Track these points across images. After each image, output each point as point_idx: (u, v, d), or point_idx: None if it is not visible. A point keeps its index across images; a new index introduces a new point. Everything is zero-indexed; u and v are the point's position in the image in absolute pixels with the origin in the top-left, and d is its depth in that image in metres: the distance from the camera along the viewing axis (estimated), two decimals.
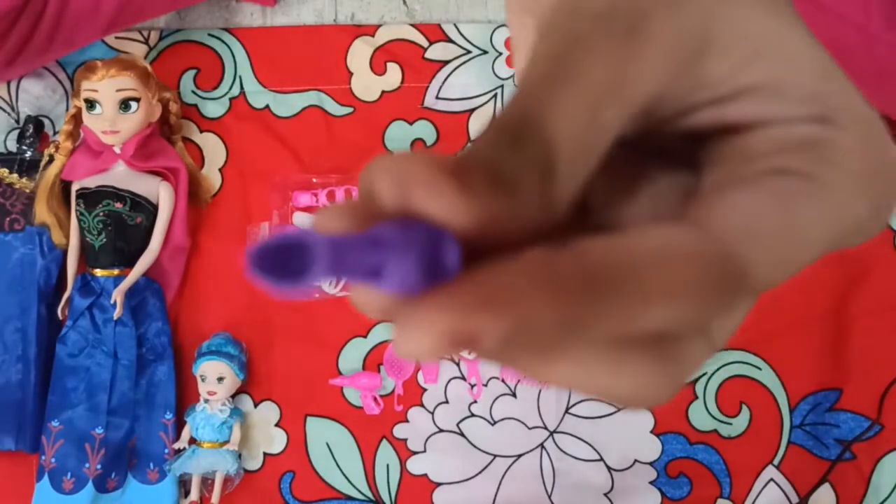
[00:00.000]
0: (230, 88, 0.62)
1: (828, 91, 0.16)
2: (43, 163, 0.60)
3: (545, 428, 0.58)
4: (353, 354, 0.59)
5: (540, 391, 0.59)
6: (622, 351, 0.15)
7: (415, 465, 0.58)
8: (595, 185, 0.18)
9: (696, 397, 0.58)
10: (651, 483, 0.58)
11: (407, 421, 0.59)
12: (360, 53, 0.63)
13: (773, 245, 0.15)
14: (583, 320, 0.14)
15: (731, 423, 0.58)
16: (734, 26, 0.16)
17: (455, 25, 0.63)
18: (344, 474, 0.58)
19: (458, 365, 0.60)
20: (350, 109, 0.62)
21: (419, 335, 0.14)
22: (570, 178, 0.15)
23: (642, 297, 0.14)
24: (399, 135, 0.62)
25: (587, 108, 0.15)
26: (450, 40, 0.63)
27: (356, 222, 0.14)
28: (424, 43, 0.63)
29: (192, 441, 0.57)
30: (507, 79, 0.63)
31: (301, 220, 0.60)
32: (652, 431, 0.58)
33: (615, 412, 0.58)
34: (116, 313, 0.56)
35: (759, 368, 0.58)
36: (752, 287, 0.15)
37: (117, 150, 0.57)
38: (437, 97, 0.62)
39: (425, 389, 0.59)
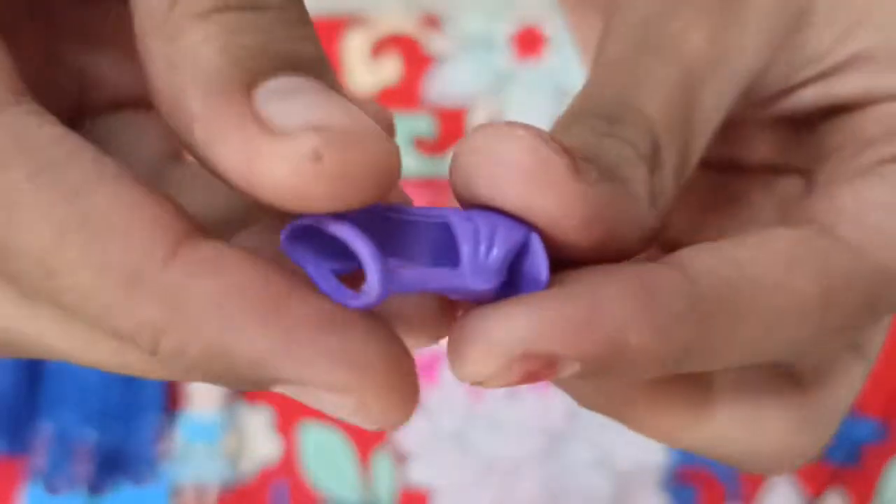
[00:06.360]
0: None
1: None
2: None
3: (550, 432, 0.58)
4: None
5: (544, 394, 0.58)
6: (755, 391, 0.13)
7: (413, 471, 0.57)
8: (679, 217, 0.16)
9: None
10: (657, 488, 0.57)
11: (405, 425, 0.58)
12: (356, 46, 0.62)
13: None
14: (694, 353, 0.12)
15: None
16: None
17: (456, 18, 0.62)
18: (339, 480, 0.57)
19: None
20: None
21: (483, 356, 0.12)
22: (676, 165, 0.13)
23: (766, 320, 0.12)
24: (398, 129, 0.61)
25: (686, 84, 0.13)
26: (450, 33, 0.62)
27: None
28: (424, 36, 0.62)
29: (183, 446, 0.56)
30: (508, 73, 0.62)
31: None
32: None
33: None
34: None
35: None
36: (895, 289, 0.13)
37: None
38: (436, 91, 0.61)
39: (424, 392, 0.58)
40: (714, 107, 0.13)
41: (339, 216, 0.12)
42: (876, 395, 0.58)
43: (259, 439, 0.58)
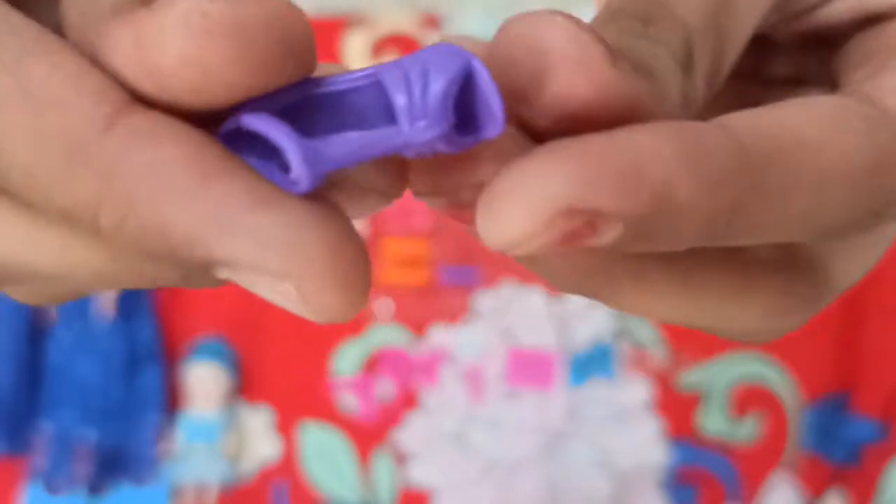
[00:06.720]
0: None
1: None
2: None
3: (550, 432, 0.57)
4: (350, 356, 0.58)
5: (544, 394, 0.58)
6: (753, 272, 0.13)
7: (413, 471, 0.57)
8: None
9: (705, 401, 0.57)
10: (657, 488, 0.57)
11: (405, 425, 0.57)
12: (356, 46, 0.61)
13: None
14: (741, 217, 0.11)
15: (739, 428, 0.57)
16: None
17: (456, 17, 0.62)
18: (339, 480, 0.57)
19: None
20: None
21: (521, 212, 0.10)
22: (708, 70, 0.12)
23: (816, 184, 0.11)
24: None
25: None
26: (450, 33, 0.62)
27: None
28: (424, 35, 0.62)
29: (183, 446, 0.56)
30: None
31: None
32: (659, 436, 0.57)
33: (622, 416, 0.57)
34: (107, 313, 0.55)
35: (770, 371, 0.58)
36: None
37: None
38: None
39: (424, 392, 0.58)
40: (748, 14, 0.13)
41: (258, 106, 0.12)
42: (876, 395, 0.58)
43: (259, 439, 0.57)
